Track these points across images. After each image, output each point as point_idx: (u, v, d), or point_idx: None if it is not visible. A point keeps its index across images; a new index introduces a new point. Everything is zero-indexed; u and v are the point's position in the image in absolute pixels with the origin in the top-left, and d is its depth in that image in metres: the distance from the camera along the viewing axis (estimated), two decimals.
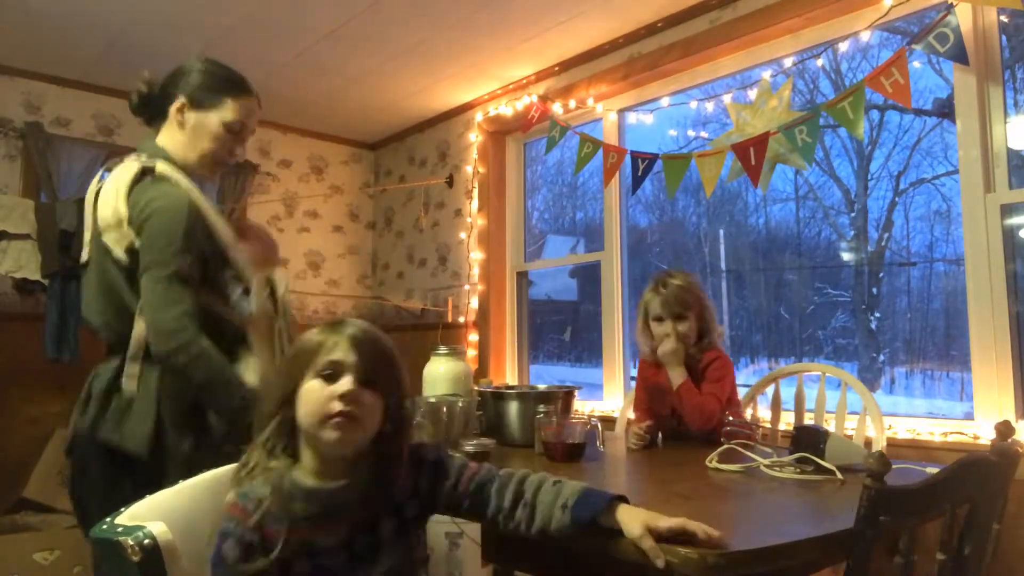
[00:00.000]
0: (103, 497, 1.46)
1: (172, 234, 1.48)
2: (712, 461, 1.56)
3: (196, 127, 1.64)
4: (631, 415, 2.27)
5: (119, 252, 1.50)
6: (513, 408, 1.92)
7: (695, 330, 2.05)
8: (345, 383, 1.07)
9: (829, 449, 1.46)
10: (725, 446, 1.63)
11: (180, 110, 1.62)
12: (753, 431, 1.78)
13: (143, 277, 1.47)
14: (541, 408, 1.80)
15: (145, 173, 1.55)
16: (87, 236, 1.64)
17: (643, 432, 1.90)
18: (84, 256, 1.64)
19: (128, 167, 1.56)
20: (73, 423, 1.57)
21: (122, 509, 1.04)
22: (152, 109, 1.66)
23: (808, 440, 1.50)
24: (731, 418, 1.75)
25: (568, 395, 2.01)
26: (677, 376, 2.00)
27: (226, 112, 1.65)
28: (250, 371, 1.58)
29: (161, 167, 1.57)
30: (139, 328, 1.50)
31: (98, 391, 1.53)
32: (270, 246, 2.21)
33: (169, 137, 1.64)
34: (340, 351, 1.09)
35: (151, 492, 1.27)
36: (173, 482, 1.30)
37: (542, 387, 2.24)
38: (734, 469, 1.48)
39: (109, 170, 1.63)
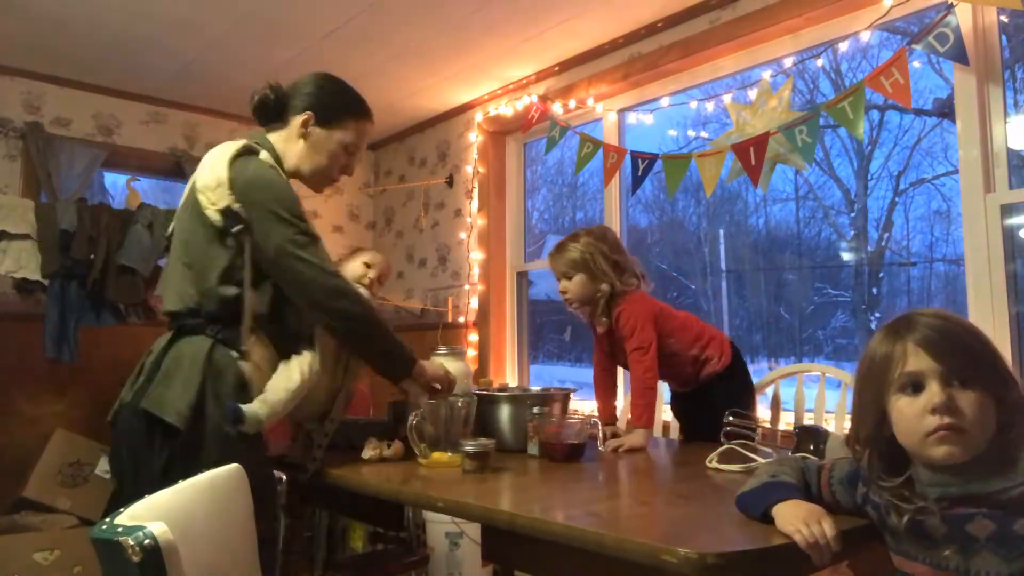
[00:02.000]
0: (137, 468, 1.46)
1: (291, 201, 1.53)
2: (712, 461, 1.56)
3: (317, 142, 1.68)
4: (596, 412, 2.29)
5: (212, 211, 1.51)
6: (505, 412, 1.89)
7: (587, 288, 2.08)
8: (932, 393, 0.99)
9: (829, 451, 1.46)
10: (724, 446, 1.63)
11: (305, 123, 1.66)
12: (753, 431, 1.77)
13: (286, 247, 1.49)
14: (535, 409, 1.80)
15: (250, 152, 1.59)
16: (177, 214, 1.66)
17: (610, 434, 1.98)
18: (169, 230, 1.68)
19: (234, 143, 1.59)
20: (120, 396, 1.56)
21: (121, 510, 1.04)
22: (272, 114, 1.70)
23: (808, 441, 1.50)
24: (731, 418, 1.74)
25: (565, 398, 1.99)
26: (640, 437, 1.92)
27: (348, 133, 1.71)
28: (301, 365, 1.58)
29: (264, 155, 1.60)
30: (250, 299, 1.52)
31: (150, 363, 1.53)
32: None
33: (285, 143, 1.68)
34: (913, 360, 1.01)
35: (185, 466, 1.32)
36: (208, 460, 1.36)
37: (535, 389, 2.23)
38: (734, 469, 1.47)
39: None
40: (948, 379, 0.99)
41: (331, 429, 1.70)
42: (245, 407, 1.46)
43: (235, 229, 1.51)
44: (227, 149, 1.57)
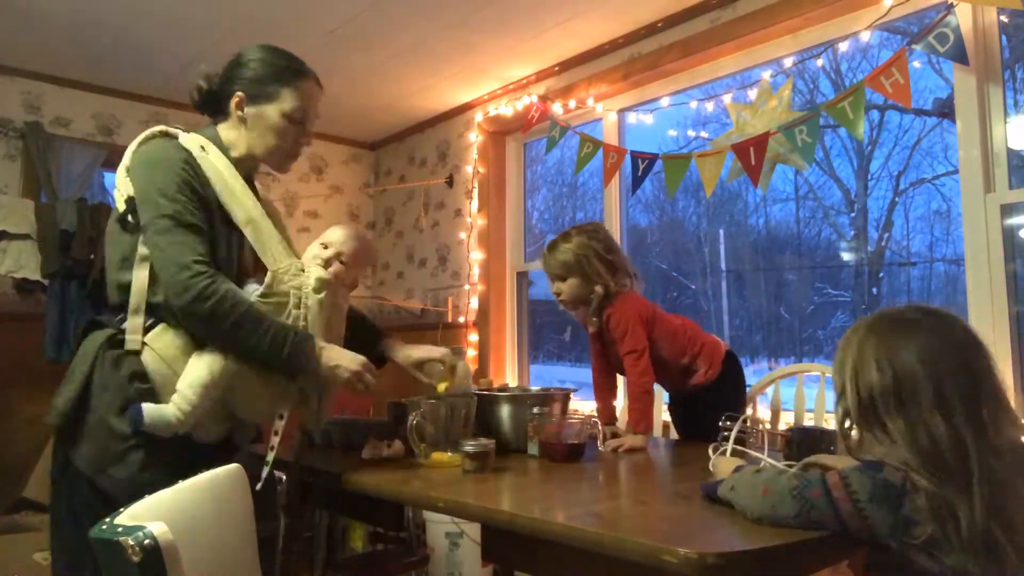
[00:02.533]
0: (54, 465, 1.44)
1: (170, 185, 1.42)
2: (714, 467, 1.53)
3: (256, 122, 1.59)
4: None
5: (120, 202, 1.47)
6: (505, 412, 1.89)
7: (581, 289, 2.06)
8: None
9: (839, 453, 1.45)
10: (723, 448, 1.61)
11: (239, 105, 1.58)
12: (749, 434, 1.76)
13: (146, 233, 1.42)
14: (535, 409, 1.79)
15: (163, 135, 1.52)
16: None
17: (609, 434, 1.96)
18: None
19: (149, 131, 1.54)
20: None
21: (121, 510, 1.04)
22: (212, 105, 1.62)
23: (810, 443, 1.49)
24: (728, 422, 1.73)
25: (564, 398, 1.99)
26: (639, 440, 1.90)
27: (284, 102, 1.59)
28: (203, 361, 1.43)
29: (183, 137, 1.51)
30: (139, 277, 1.43)
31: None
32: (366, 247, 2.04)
33: (232, 131, 1.60)
34: None
35: (63, 467, 1.37)
36: (87, 457, 1.38)
37: (535, 389, 2.23)
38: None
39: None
40: None
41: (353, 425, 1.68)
42: (147, 406, 1.36)
43: (131, 216, 1.45)
44: (139, 138, 1.52)
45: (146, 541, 0.95)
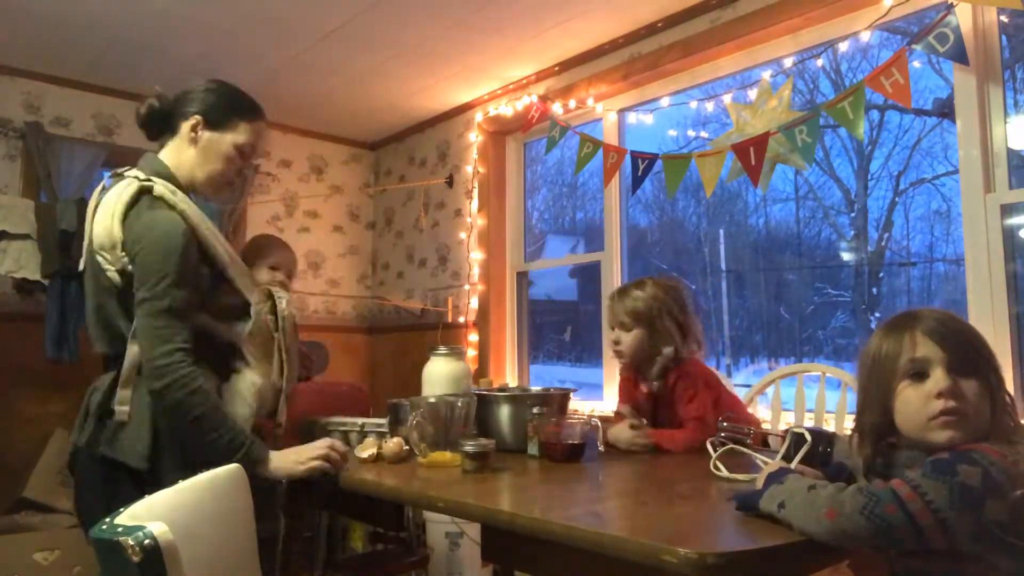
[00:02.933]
0: (105, 507, 1.41)
1: (166, 267, 1.47)
2: (718, 469, 1.52)
3: (208, 147, 1.63)
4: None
5: (112, 273, 1.50)
6: (505, 412, 1.88)
7: (643, 344, 1.95)
8: (938, 379, 1.05)
9: (838, 453, 1.44)
10: (724, 448, 1.61)
11: (194, 128, 1.62)
12: (747, 434, 1.76)
13: (138, 310, 1.47)
14: (535, 409, 1.79)
15: (143, 193, 1.54)
16: (84, 244, 1.62)
17: (636, 423, 1.90)
18: (81, 265, 1.64)
19: (127, 187, 1.54)
20: (73, 438, 1.58)
21: (122, 509, 1.04)
22: (160, 124, 1.65)
23: (810, 445, 1.47)
24: (725, 423, 1.73)
25: (564, 398, 1.98)
26: (648, 441, 1.88)
27: (239, 135, 1.66)
28: (247, 385, 1.59)
29: (160, 188, 1.55)
30: (131, 352, 1.49)
31: (94, 407, 1.53)
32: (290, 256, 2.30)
33: (176, 154, 1.63)
34: (921, 347, 1.07)
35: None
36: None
37: (535, 389, 2.22)
38: (739, 479, 1.45)
39: (114, 177, 1.62)
40: (952, 367, 1.06)
41: (279, 434, 1.71)
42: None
43: (132, 288, 1.49)
44: (121, 197, 1.52)
45: (146, 541, 0.95)
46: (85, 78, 3.61)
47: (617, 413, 2.04)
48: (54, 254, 3.19)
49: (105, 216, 1.52)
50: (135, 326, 1.48)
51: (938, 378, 1.05)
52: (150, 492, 1.27)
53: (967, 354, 1.07)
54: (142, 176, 1.56)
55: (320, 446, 1.57)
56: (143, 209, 1.52)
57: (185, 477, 1.26)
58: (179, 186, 1.60)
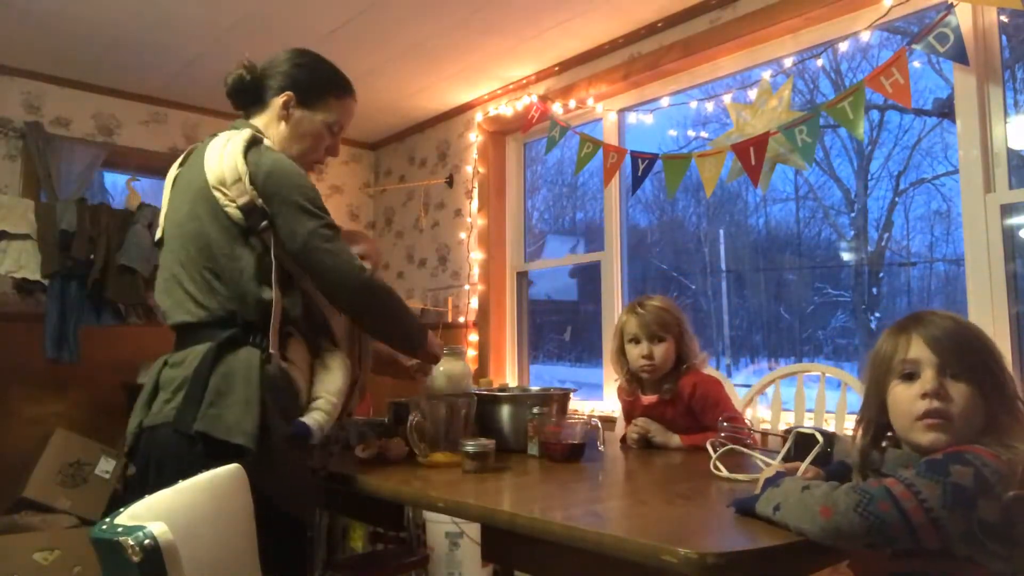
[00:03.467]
0: None
1: (313, 193, 1.46)
2: (719, 470, 1.52)
3: (299, 124, 1.60)
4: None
5: (234, 209, 1.42)
6: (505, 412, 1.88)
7: (672, 355, 1.95)
8: (925, 380, 1.08)
9: (838, 455, 1.44)
10: (724, 448, 1.61)
11: (286, 104, 1.58)
12: (747, 435, 1.76)
13: (312, 241, 1.42)
14: (535, 409, 1.79)
15: (256, 141, 1.49)
16: (162, 215, 1.58)
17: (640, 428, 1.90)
18: (159, 234, 1.59)
19: (238, 133, 1.49)
20: (139, 419, 1.43)
21: (121, 510, 1.04)
22: (248, 96, 1.60)
23: (808, 446, 1.47)
24: (725, 424, 1.73)
25: (564, 398, 1.98)
26: (672, 442, 1.89)
27: (331, 113, 1.63)
28: (340, 361, 1.57)
29: (269, 142, 1.53)
30: (278, 296, 1.43)
31: (184, 377, 1.39)
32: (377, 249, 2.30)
33: (267, 127, 1.59)
34: (914, 349, 1.10)
35: (256, 492, 1.28)
36: (278, 474, 1.35)
37: (535, 389, 2.22)
38: (742, 479, 1.45)
39: (208, 137, 1.57)
40: (942, 370, 1.08)
41: (350, 424, 1.72)
42: (309, 421, 1.44)
43: (261, 226, 1.43)
44: (236, 140, 1.47)
45: (146, 541, 0.95)
46: (85, 78, 3.61)
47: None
48: (54, 254, 3.18)
49: (222, 156, 1.45)
50: (308, 269, 1.45)
51: (926, 379, 1.08)
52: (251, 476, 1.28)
53: (962, 358, 1.08)
54: (246, 131, 1.51)
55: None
56: (264, 150, 1.48)
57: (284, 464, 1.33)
58: None
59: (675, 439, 1.89)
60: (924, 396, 1.07)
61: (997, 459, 0.99)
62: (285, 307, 1.45)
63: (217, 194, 1.43)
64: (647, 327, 1.94)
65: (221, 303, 1.43)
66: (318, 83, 1.62)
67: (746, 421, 2.06)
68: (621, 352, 2.02)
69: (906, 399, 1.09)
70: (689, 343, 1.96)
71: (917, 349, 1.10)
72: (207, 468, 1.26)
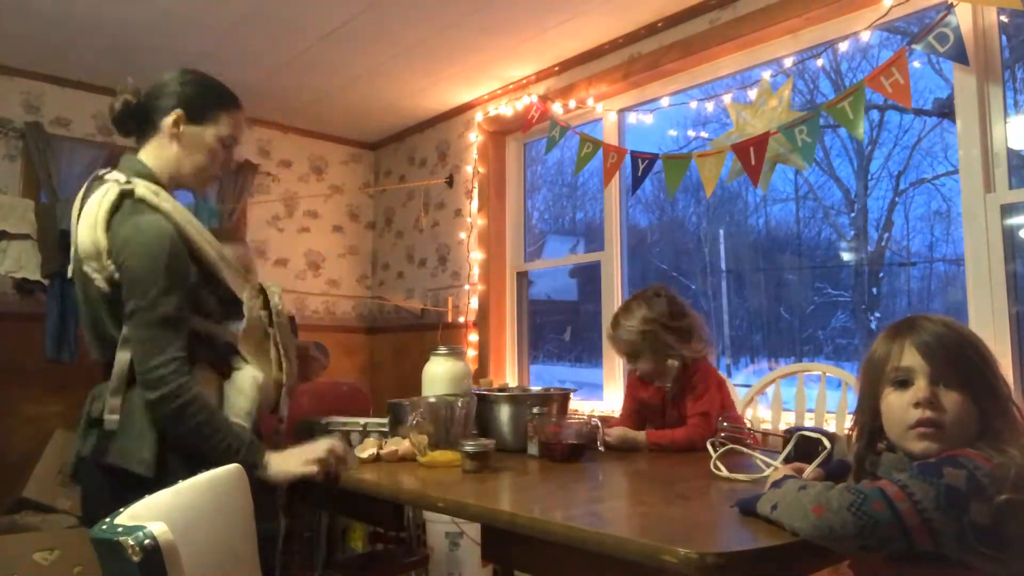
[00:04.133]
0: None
1: (155, 274, 1.44)
2: (719, 470, 1.52)
3: (191, 141, 1.60)
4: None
5: (100, 282, 1.47)
6: (505, 412, 1.88)
7: (654, 365, 1.98)
8: (918, 388, 1.08)
9: (838, 453, 1.44)
10: (724, 448, 1.61)
11: (176, 123, 1.58)
12: (747, 435, 1.76)
13: (129, 321, 1.45)
14: (535, 409, 1.79)
15: (124, 197, 1.50)
16: (72, 252, 1.58)
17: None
18: (70, 272, 1.60)
19: (108, 192, 1.50)
20: (76, 448, 1.55)
21: (121, 510, 1.04)
22: (137, 122, 1.61)
23: (808, 448, 1.47)
24: (725, 424, 1.73)
25: (564, 398, 1.98)
26: (640, 440, 1.91)
27: (222, 127, 1.63)
28: (247, 379, 1.58)
29: (141, 189, 1.51)
30: (121, 360, 1.47)
31: (97, 415, 1.50)
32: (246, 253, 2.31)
33: (158, 151, 1.59)
34: (907, 357, 1.11)
35: None
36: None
37: (535, 389, 2.22)
38: (742, 479, 1.45)
39: (95, 181, 1.58)
40: (935, 379, 1.09)
41: (281, 429, 1.71)
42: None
43: (117, 298, 1.47)
44: (102, 205, 1.48)
45: (146, 541, 0.95)
46: (85, 78, 3.61)
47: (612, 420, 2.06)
48: (54, 254, 3.19)
49: (88, 225, 1.48)
50: (126, 335, 1.46)
51: (918, 388, 1.09)
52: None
53: (955, 366, 1.08)
54: (122, 179, 1.52)
55: (321, 448, 1.55)
56: (126, 214, 1.48)
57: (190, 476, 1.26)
58: (162, 185, 1.56)
59: (640, 436, 1.92)
60: (917, 405, 1.08)
61: (989, 462, 0.99)
62: (126, 374, 1.48)
63: (86, 268, 1.48)
64: (620, 351, 2.03)
65: (109, 355, 1.50)
66: (207, 98, 1.63)
67: (739, 418, 2.07)
68: None
69: (899, 407, 1.10)
70: (672, 344, 1.95)
71: (910, 357, 1.10)
72: (125, 497, 1.28)
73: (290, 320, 1.89)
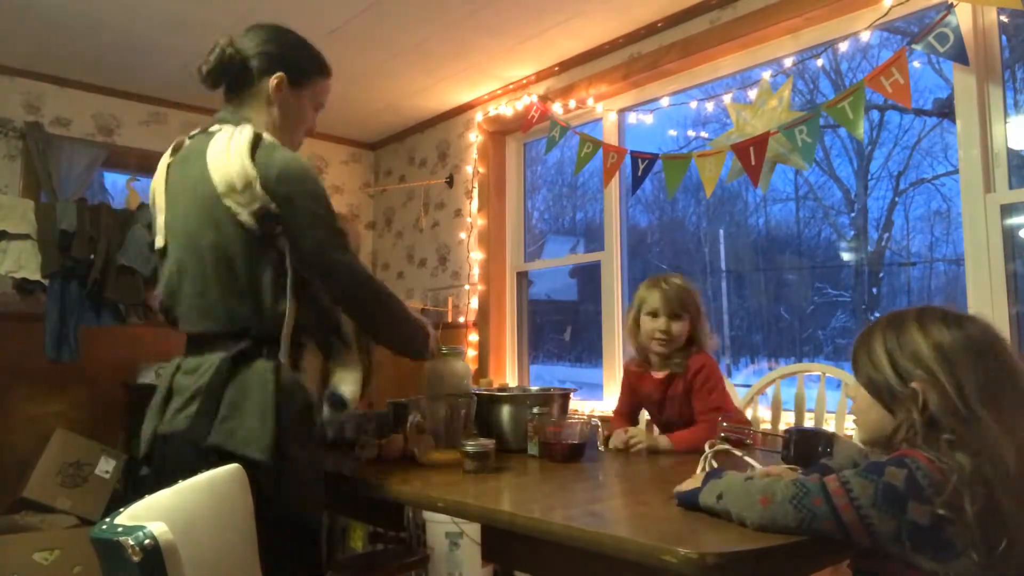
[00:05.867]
0: None
1: (324, 195, 1.41)
2: (707, 459, 1.53)
3: (291, 106, 1.53)
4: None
5: (247, 216, 1.35)
6: (505, 412, 1.88)
7: (686, 334, 1.99)
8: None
9: (837, 456, 1.44)
10: (714, 449, 1.60)
11: (279, 86, 1.49)
12: (748, 434, 1.76)
13: (322, 249, 1.38)
14: (535, 409, 1.79)
15: (259, 137, 1.40)
16: (160, 220, 1.49)
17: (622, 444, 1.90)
18: (160, 241, 1.50)
19: (240, 131, 1.40)
20: (154, 425, 1.41)
21: (121, 510, 1.04)
22: (233, 77, 1.49)
23: (805, 447, 1.47)
24: (725, 423, 1.73)
25: (564, 398, 1.98)
26: (661, 444, 1.90)
27: (317, 93, 1.59)
28: (354, 363, 1.55)
29: (268, 137, 1.43)
30: (292, 306, 1.38)
31: (198, 387, 1.36)
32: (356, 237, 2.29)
33: (257, 113, 1.50)
34: None
35: (271, 498, 1.29)
36: (292, 488, 1.36)
37: (535, 389, 2.22)
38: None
39: (198, 135, 1.48)
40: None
41: (372, 415, 1.76)
42: (345, 391, 1.47)
43: (276, 231, 1.37)
44: (239, 141, 1.38)
45: (146, 541, 0.95)
46: (85, 78, 3.61)
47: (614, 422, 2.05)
48: (54, 254, 3.18)
49: (226, 159, 1.36)
50: (316, 274, 1.40)
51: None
52: (265, 490, 1.29)
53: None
54: (242, 125, 1.43)
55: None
56: (269, 149, 1.39)
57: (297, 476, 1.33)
58: None
59: (663, 441, 1.89)
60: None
61: (931, 463, 1.01)
62: (299, 317, 1.41)
63: (228, 202, 1.35)
64: (669, 303, 1.97)
65: (239, 314, 1.39)
66: (307, 62, 1.56)
67: (741, 414, 2.07)
68: (637, 324, 2.04)
69: None
70: (703, 324, 2.02)
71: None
72: (256, 491, 1.31)
73: None
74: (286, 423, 1.35)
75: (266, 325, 1.39)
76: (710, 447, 1.57)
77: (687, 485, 1.22)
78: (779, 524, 1.02)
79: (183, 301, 1.45)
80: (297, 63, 1.54)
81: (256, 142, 1.39)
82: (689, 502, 1.18)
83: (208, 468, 1.27)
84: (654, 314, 1.99)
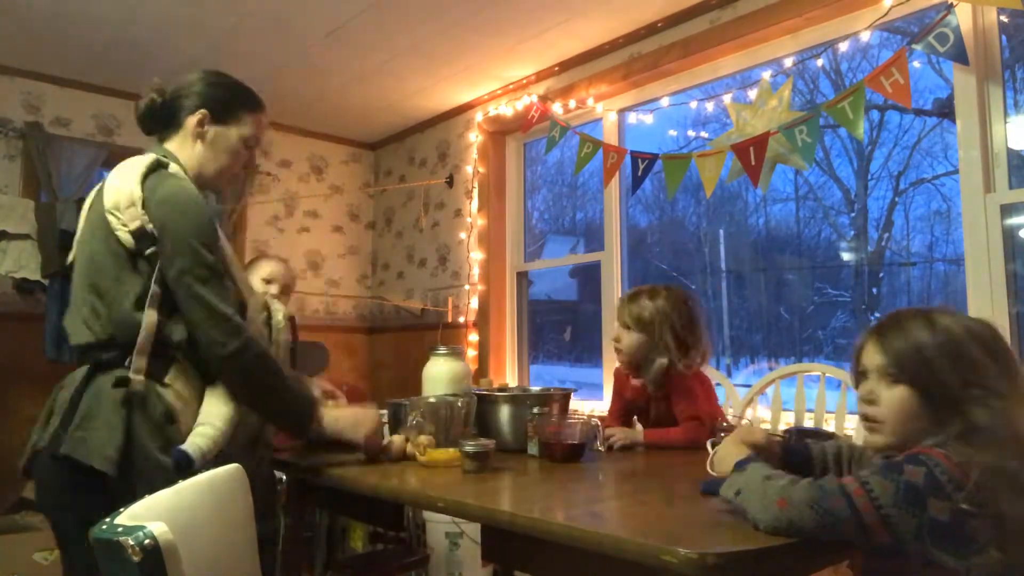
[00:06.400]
0: (75, 512, 1.34)
1: (199, 231, 1.42)
2: (712, 464, 1.53)
3: (215, 141, 1.60)
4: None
5: (124, 233, 1.41)
6: (505, 412, 1.88)
7: (639, 347, 1.99)
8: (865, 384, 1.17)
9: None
10: (719, 447, 1.60)
11: (200, 123, 1.58)
12: None
13: (179, 281, 1.39)
14: (535, 409, 1.79)
15: (160, 165, 1.48)
16: (76, 238, 1.56)
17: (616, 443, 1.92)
18: (70, 257, 1.56)
19: (143, 158, 1.48)
20: (32, 441, 1.45)
21: (121, 509, 1.04)
22: (161, 120, 1.60)
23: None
24: (724, 424, 1.74)
25: (564, 398, 1.98)
26: (639, 437, 1.94)
27: (245, 127, 1.63)
28: (215, 415, 1.47)
29: (174, 168, 1.51)
30: (149, 318, 1.38)
31: (62, 402, 1.42)
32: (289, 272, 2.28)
33: (182, 149, 1.58)
34: (865, 353, 1.19)
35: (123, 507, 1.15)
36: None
37: (535, 389, 2.22)
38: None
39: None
40: (884, 374, 1.13)
41: (267, 456, 1.66)
42: (188, 447, 1.37)
43: (148, 251, 1.41)
44: (136, 165, 1.47)
45: (146, 541, 0.95)
46: (85, 78, 3.61)
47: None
48: (54, 254, 3.18)
49: (120, 180, 1.44)
50: (155, 293, 1.39)
51: (865, 384, 1.15)
52: (119, 501, 1.13)
53: (905, 362, 1.11)
54: (153, 156, 1.50)
55: (371, 417, 1.60)
56: (164, 176, 1.46)
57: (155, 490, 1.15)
58: (189, 179, 1.54)
59: (637, 434, 1.95)
60: (862, 400, 1.15)
61: (948, 460, 1.01)
62: (166, 331, 1.41)
63: (111, 218, 1.43)
64: (621, 316, 2.05)
65: (103, 326, 1.43)
66: (232, 98, 1.63)
67: (727, 418, 2.07)
68: None
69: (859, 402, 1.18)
70: (669, 345, 1.97)
71: (867, 353, 1.16)
72: (78, 492, 1.29)
73: (290, 320, 1.88)
74: (139, 437, 1.36)
75: (128, 337, 1.40)
76: (712, 446, 1.57)
77: (722, 466, 1.23)
78: (795, 527, 1.00)
79: (71, 312, 1.50)
80: (222, 100, 1.61)
81: (153, 169, 1.47)
82: (712, 491, 1.20)
83: (69, 480, 1.33)
84: (617, 323, 2.08)
